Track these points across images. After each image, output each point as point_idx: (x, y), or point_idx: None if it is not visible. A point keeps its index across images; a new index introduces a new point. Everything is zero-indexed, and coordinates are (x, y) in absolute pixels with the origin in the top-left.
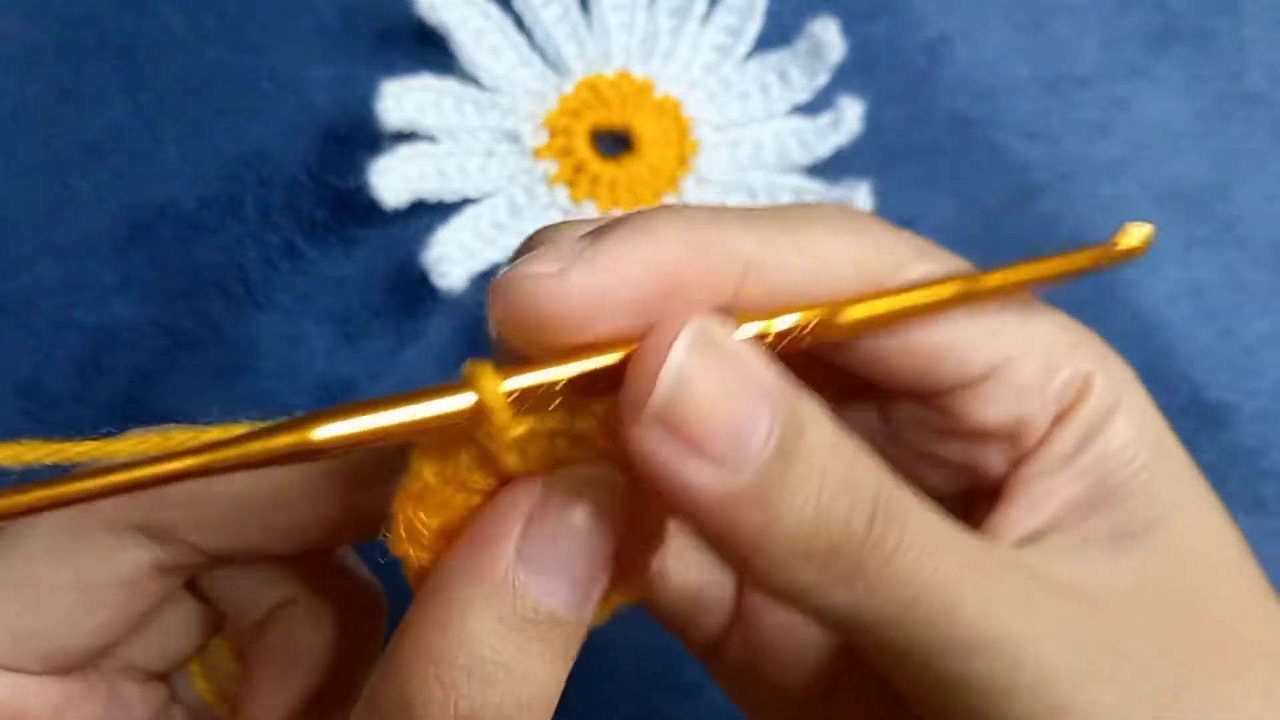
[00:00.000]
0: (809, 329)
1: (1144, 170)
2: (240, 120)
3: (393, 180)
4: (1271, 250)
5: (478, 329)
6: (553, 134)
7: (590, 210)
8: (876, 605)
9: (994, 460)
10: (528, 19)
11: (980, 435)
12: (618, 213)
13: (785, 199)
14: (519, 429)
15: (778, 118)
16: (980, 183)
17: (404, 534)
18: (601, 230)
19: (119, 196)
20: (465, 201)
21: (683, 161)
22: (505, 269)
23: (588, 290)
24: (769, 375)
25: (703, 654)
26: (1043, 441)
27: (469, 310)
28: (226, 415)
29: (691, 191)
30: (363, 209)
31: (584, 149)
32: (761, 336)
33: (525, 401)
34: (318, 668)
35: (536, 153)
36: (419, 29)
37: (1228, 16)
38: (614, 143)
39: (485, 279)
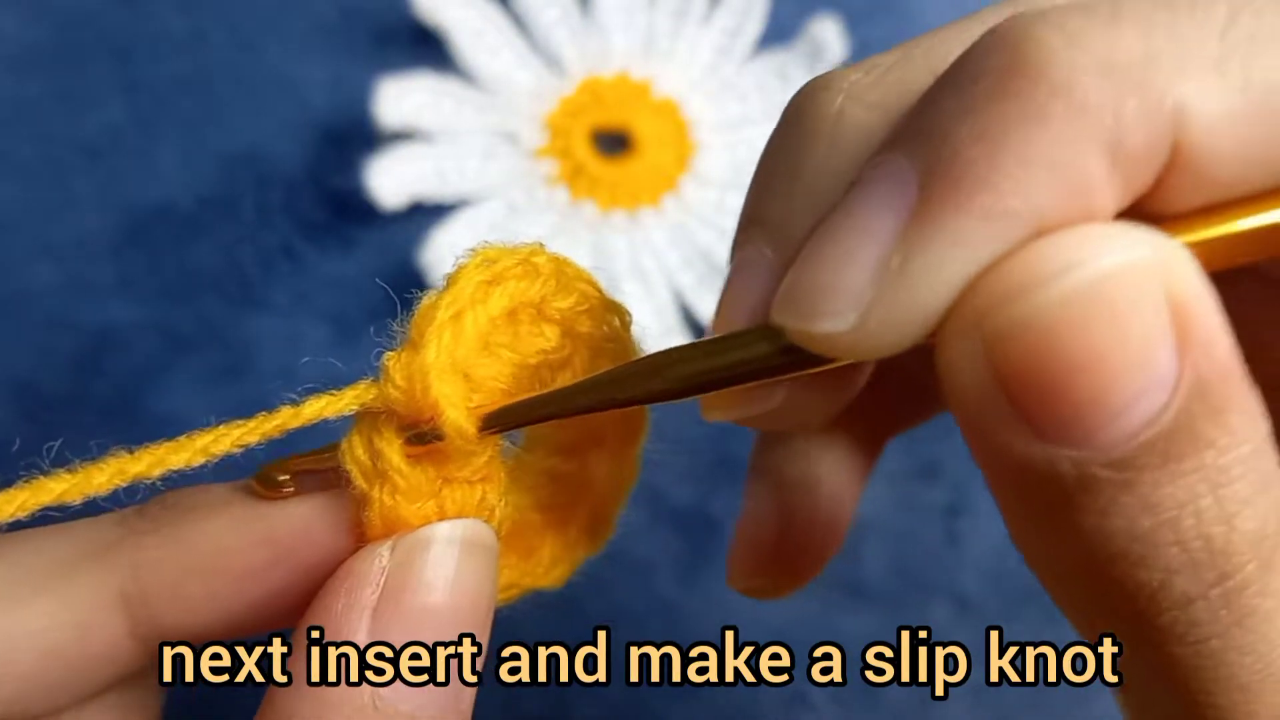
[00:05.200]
0: None
1: None
2: (238, 120)
3: (391, 181)
4: None
5: None
6: (552, 134)
7: (589, 211)
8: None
9: None
10: (527, 20)
11: None
12: (617, 213)
13: None
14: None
15: (778, 119)
16: None
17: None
18: (907, 250)
19: (116, 197)
20: (463, 203)
21: (682, 161)
22: (789, 289)
23: (901, 338)
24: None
25: None
26: None
27: None
28: (222, 415)
29: (691, 192)
30: (360, 210)
31: (583, 149)
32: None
33: None
34: None
35: (536, 153)
36: (417, 29)
37: None
38: (613, 143)
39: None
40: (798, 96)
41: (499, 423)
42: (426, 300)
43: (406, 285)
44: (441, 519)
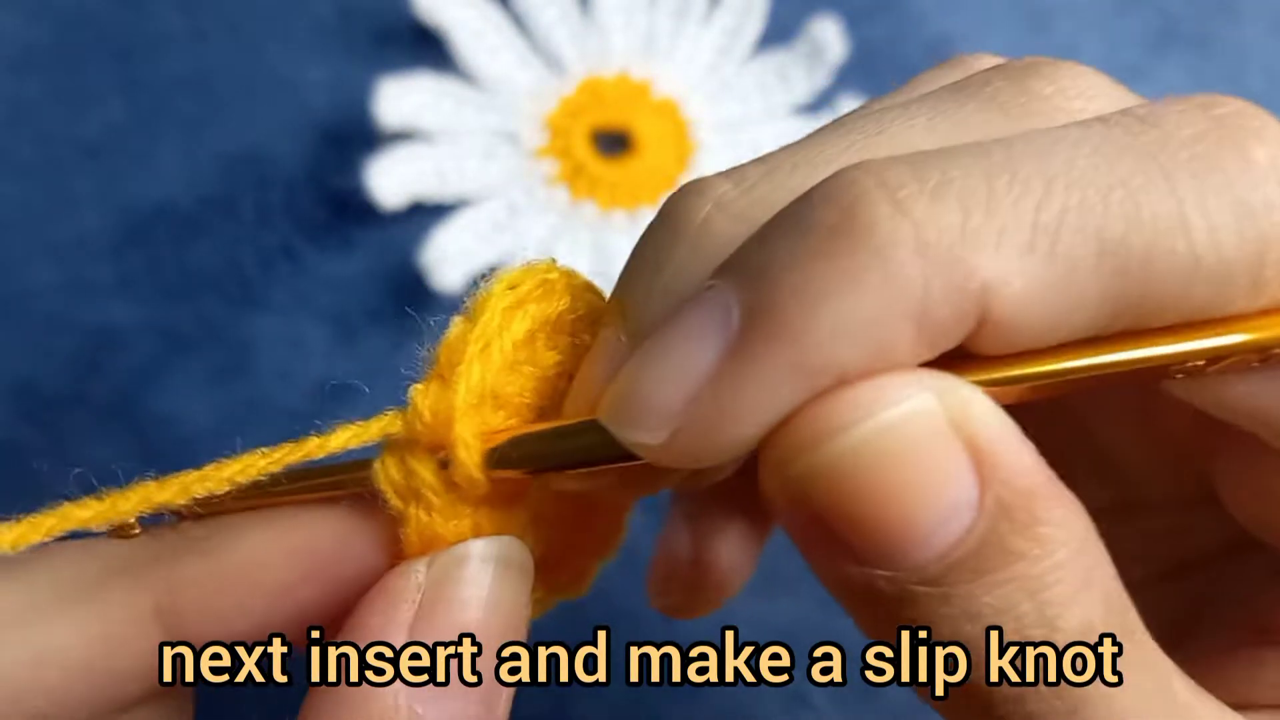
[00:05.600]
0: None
1: None
2: (238, 120)
3: (391, 181)
4: None
5: None
6: (552, 134)
7: (589, 211)
8: None
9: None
10: (527, 20)
11: None
12: (617, 213)
13: None
14: None
15: (778, 118)
16: None
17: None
18: (723, 374)
19: (116, 197)
20: (463, 202)
21: (682, 161)
22: (615, 395)
23: (709, 460)
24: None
25: None
26: None
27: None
28: (222, 416)
29: None
30: (361, 210)
31: (583, 149)
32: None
33: None
34: None
35: (536, 153)
36: (417, 29)
37: (1227, 18)
38: (613, 143)
39: (483, 280)
40: (673, 196)
41: (504, 466)
42: (454, 330)
43: (407, 285)
44: (477, 536)
